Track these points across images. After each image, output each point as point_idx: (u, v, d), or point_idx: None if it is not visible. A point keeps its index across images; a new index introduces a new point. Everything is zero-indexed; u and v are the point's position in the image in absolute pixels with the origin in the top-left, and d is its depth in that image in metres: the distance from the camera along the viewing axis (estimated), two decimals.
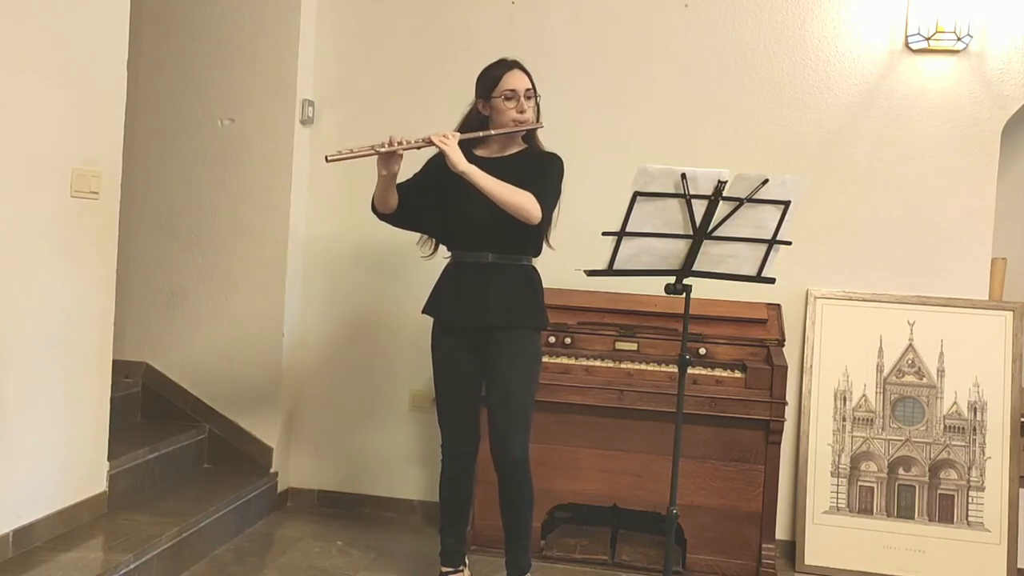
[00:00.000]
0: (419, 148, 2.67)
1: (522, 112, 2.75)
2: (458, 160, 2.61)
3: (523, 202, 2.62)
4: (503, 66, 2.79)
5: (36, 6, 2.60)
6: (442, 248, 2.92)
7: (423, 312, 2.88)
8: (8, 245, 2.56)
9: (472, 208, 2.69)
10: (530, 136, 2.87)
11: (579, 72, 3.66)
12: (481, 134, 2.76)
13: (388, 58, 3.79)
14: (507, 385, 2.74)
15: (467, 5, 3.74)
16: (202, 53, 3.73)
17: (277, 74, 3.68)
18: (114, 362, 3.10)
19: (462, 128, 2.80)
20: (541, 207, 2.64)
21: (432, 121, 3.69)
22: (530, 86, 2.78)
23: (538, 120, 2.83)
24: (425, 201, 2.83)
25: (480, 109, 2.81)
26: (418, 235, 2.96)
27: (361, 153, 2.62)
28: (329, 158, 2.61)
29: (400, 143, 2.64)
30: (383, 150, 2.63)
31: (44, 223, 2.69)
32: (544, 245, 2.84)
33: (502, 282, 2.74)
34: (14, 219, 2.57)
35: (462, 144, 2.68)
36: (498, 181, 2.64)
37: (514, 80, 2.75)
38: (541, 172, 2.74)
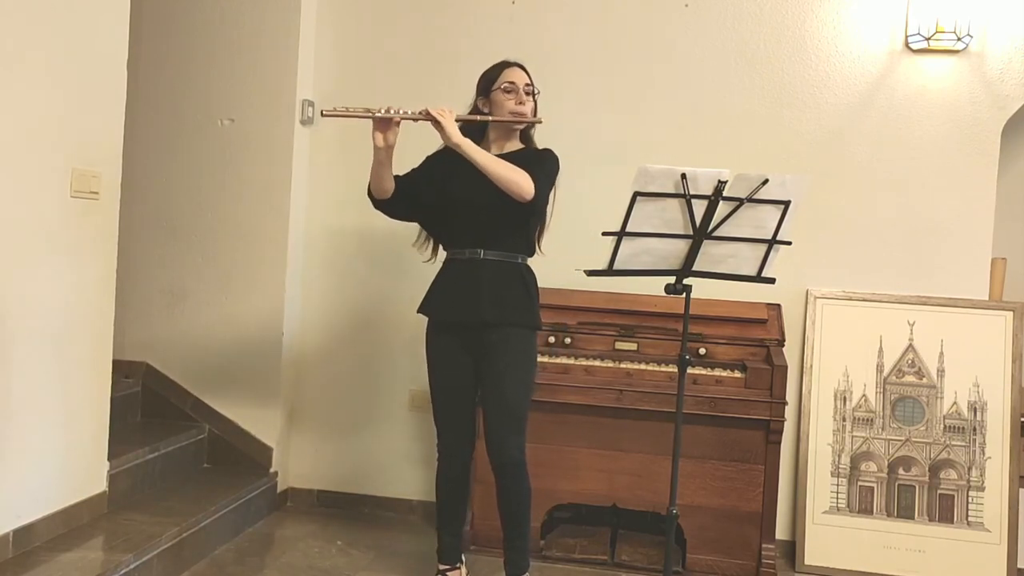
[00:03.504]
0: (415, 120, 2.66)
1: (520, 104, 2.77)
2: (453, 132, 2.61)
3: (517, 178, 2.61)
4: (503, 64, 2.83)
5: (36, 6, 2.60)
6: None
7: (418, 312, 2.88)
8: (8, 245, 2.56)
9: (465, 204, 2.71)
10: (527, 136, 2.89)
11: (579, 72, 3.66)
12: (479, 118, 2.77)
13: (388, 58, 3.79)
14: (502, 386, 2.74)
15: (467, 5, 3.74)
16: (202, 53, 3.73)
17: (277, 74, 3.68)
18: (114, 362, 3.10)
19: (462, 129, 2.78)
20: (535, 183, 2.63)
21: None
22: (529, 83, 2.81)
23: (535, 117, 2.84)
24: (421, 192, 2.83)
25: (480, 107, 2.83)
26: (416, 235, 2.97)
27: (356, 113, 2.64)
28: (324, 112, 2.65)
29: (397, 111, 2.64)
30: (379, 115, 2.63)
31: (44, 223, 2.69)
32: (536, 247, 2.85)
33: (495, 278, 2.73)
34: (14, 219, 2.57)
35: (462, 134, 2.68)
36: (492, 156, 2.66)
37: (513, 75, 2.80)
38: (535, 161, 2.75)
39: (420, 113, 2.64)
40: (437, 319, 2.84)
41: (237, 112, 3.71)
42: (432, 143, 2.82)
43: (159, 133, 3.77)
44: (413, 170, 2.89)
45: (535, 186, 2.63)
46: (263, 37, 3.68)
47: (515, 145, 2.86)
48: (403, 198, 2.82)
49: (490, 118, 2.77)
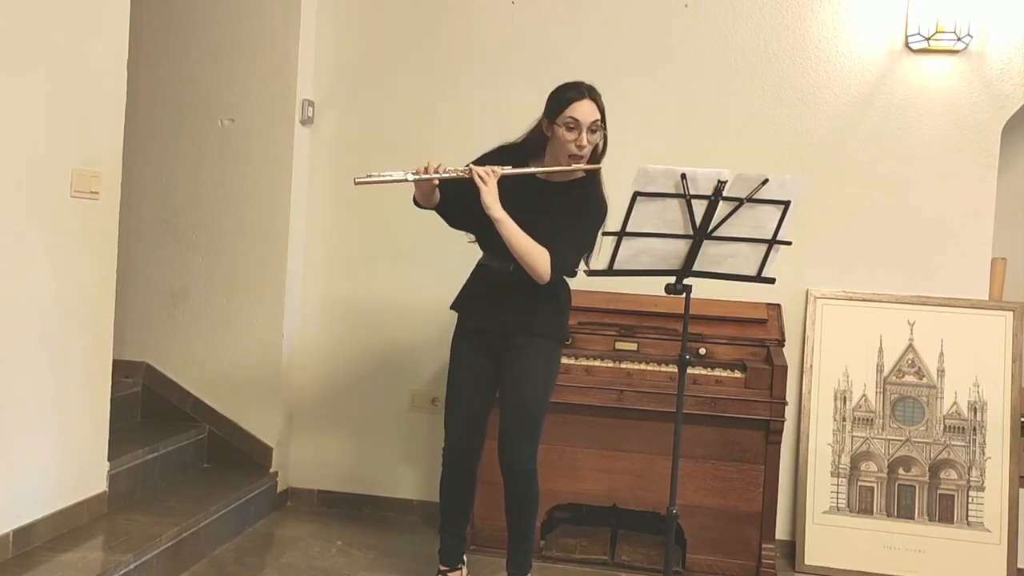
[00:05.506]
0: (453, 179, 2.60)
1: (581, 147, 2.60)
2: (491, 203, 2.55)
3: (534, 263, 2.57)
4: (575, 91, 2.63)
5: (36, 6, 2.60)
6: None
7: (451, 308, 2.87)
8: (8, 245, 2.56)
9: (497, 232, 2.63)
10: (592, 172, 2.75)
11: (579, 72, 3.60)
12: (524, 171, 2.64)
13: (388, 58, 3.79)
14: (520, 393, 2.73)
15: (467, 5, 3.74)
16: (202, 53, 3.73)
17: (277, 74, 3.68)
18: (114, 362, 3.10)
19: (525, 140, 2.72)
20: (553, 268, 2.58)
21: (432, 121, 3.73)
22: (597, 118, 2.62)
23: (602, 155, 2.69)
24: (464, 205, 2.74)
25: (544, 129, 2.68)
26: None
27: (392, 179, 2.54)
28: (357, 181, 2.52)
29: (436, 171, 2.57)
30: (414, 178, 2.56)
31: (44, 223, 2.69)
32: (583, 267, 2.73)
33: (522, 291, 2.68)
34: (14, 219, 2.57)
35: (519, 148, 2.64)
36: (522, 234, 2.57)
37: (581, 110, 2.59)
38: (577, 221, 2.66)
39: (462, 172, 2.58)
40: (462, 324, 2.83)
41: (237, 112, 3.71)
42: (466, 145, 2.79)
43: (159, 133, 3.77)
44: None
45: (552, 268, 2.58)
46: (263, 37, 3.68)
47: (574, 174, 2.71)
48: (448, 210, 2.76)
49: (540, 170, 2.66)
